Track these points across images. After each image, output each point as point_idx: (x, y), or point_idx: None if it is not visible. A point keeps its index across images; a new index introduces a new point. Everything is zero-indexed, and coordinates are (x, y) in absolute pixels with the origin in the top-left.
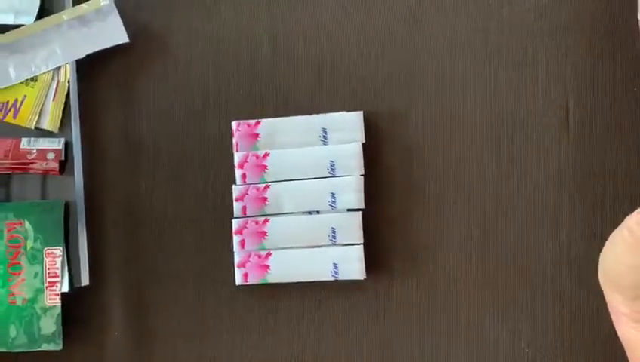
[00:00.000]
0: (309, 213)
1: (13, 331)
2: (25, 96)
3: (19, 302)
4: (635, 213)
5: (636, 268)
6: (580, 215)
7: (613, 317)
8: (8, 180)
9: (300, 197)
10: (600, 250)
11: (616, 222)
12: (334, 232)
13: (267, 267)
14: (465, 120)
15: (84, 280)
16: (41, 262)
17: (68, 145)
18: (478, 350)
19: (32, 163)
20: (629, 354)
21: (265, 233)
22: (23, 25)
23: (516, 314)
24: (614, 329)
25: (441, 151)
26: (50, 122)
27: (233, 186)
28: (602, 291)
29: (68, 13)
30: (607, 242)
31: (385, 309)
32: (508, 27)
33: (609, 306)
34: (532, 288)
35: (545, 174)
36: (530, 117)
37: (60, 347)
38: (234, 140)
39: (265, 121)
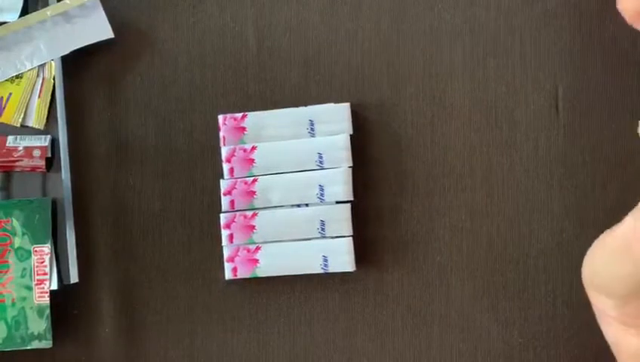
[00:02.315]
0: (298, 205)
1: (2, 330)
2: (10, 93)
3: (7, 301)
4: (628, 217)
5: (629, 274)
6: (571, 202)
7: (599, 318)
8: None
9: (289, 190)
10: (591, 238)
11: (606, 210)
12: (323, 225)
13: (256, 261)
14: (453, 109)
15: (73, 278)
16: (29, 260)
17: (54, 142)
18: (471, 340)
19: (18, 160)
20: (616, 354)
21: (253, 227)
22: (6, 22)
23: (508, 304)
24: None
25: (430, 140)
26: (36, 119)
27: (221, 180)
28: None
29: (52, 10)
30: (594, 247)
31: (375, 301)
32: (495, 14)
33: (594, 308)
34: (523, 277)
35: (535, 162)
36: (520, 105)
37: (50, 345)
38: (221, 134)
39: (251, 115)
